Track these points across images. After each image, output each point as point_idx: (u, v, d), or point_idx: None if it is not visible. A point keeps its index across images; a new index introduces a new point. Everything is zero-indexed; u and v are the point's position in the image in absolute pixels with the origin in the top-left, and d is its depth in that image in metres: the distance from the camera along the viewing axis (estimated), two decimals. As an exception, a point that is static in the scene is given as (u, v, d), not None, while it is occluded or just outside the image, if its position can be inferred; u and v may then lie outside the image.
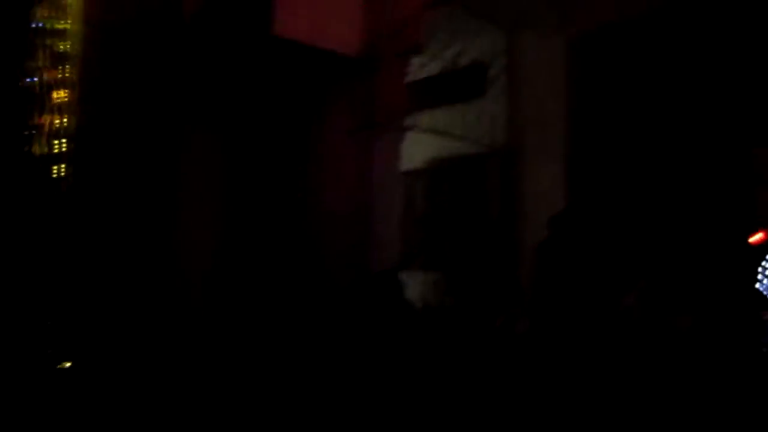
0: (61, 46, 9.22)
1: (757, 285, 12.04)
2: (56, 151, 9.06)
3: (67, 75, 9.04)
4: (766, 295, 12.19)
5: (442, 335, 5.03)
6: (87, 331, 6.49)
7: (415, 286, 6.60)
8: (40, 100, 9.23)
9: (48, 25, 9.30)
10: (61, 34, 9.25)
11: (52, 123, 9.12)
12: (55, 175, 8.88)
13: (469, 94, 6.62)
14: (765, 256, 12.20)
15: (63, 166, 8.90)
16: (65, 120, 8.99)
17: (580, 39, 5.86)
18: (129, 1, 6.83)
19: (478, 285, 6.17)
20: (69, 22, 9.04)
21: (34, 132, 9.13)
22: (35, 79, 9.24)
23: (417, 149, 7.14)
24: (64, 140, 8.98)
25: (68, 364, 5.56)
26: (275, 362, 4.76)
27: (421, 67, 6.02)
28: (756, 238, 12.35)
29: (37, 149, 9.09)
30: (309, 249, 4.47)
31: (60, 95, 9.13)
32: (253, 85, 4.12)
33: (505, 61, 6.38)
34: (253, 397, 4.12)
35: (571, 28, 5.87)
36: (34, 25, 9.24)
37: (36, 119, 9.19)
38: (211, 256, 5.87)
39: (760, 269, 11.99)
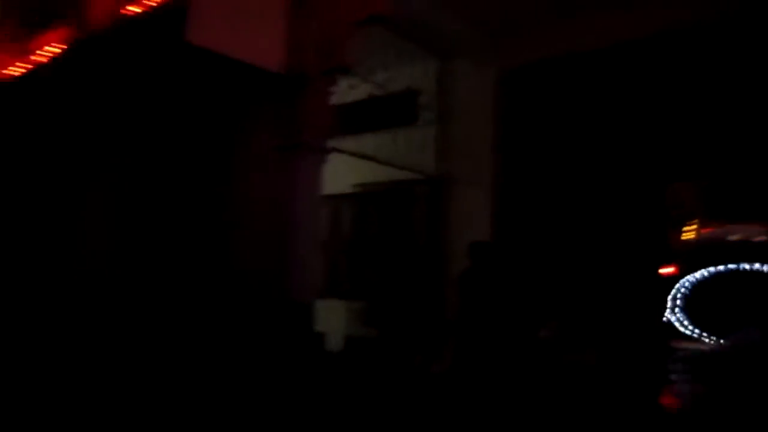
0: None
1: (667, 315, 12.55)
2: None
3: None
4: (674, 325, 12.73)
5: (361, 369, 4.78)
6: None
7: (337, 315, 6.33)
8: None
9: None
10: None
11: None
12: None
13: (399, 120, 6.52)
14: (675, 287, 12.76)
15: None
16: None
17: (510, 72, 5.90)
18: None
19: (403, 316, 5.99)
20: None
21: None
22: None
23: (344, 173, 6.94)
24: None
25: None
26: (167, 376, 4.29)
27: (350, 90, 5.86)
28: (667, 270, 12.93)
29: None
30: (225, 271, 4.11)
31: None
32: (167, 97, 3.79)
33: (437, 89, 6.34)
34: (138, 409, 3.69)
35: (503, 60, 5.91)
36: None
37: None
38: (113, 276, 5.37)
39: (669, 300, 12.51)
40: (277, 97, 3.76)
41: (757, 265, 11.67)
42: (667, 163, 10.59)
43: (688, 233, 18.30)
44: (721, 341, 12.26)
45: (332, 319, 6.26)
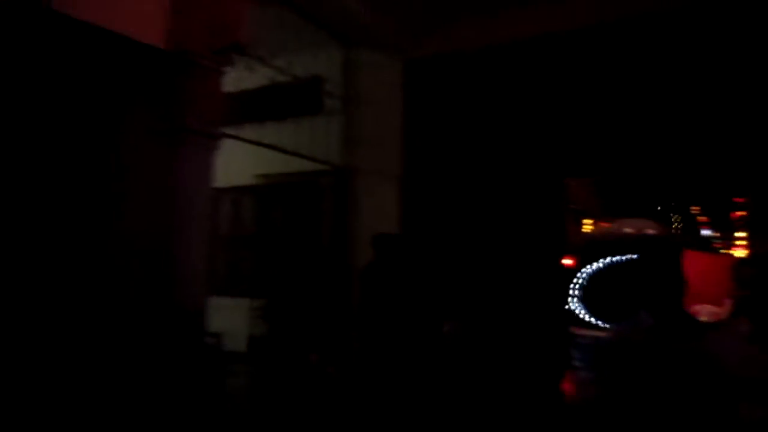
0: None
1: (569, 304, 13.15)
2: None
3: None
4: (576, 313, 13.39)
5: (256, 370, 4.51)
6: None
7: (238, 313, 5.98)
8: None
9: None
10: None
11: None
12: None
13: (303, 108, 6.25)
14: (574, 278, 13.41)
15: None
16: None
17: (417, 62, 5.82)
18: None
19: (303, 313, 5.76)
20: None
21: None
22: None
23: (246, 163, 6.59)
24: None
25: None
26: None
27: (251, 75, 5.53)
28: (567, 262, 13.55)
29: None
30: (98, 275, 3.66)
31: None
32: (25, 71, 3.30)
33: (343, 77, 6.14)
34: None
35: (410, 50, 5.82)
36: None
37: None
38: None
39: (570, 290, 13.11)
40: (159, 76, 3.39)
41: (647, 257, 12.47)
42: (566, 159, 11.05)
43: (586, 227, 19.38)
44: (613, 327, 12.92)
45: (234, 318, 5.92)
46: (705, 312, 13.33)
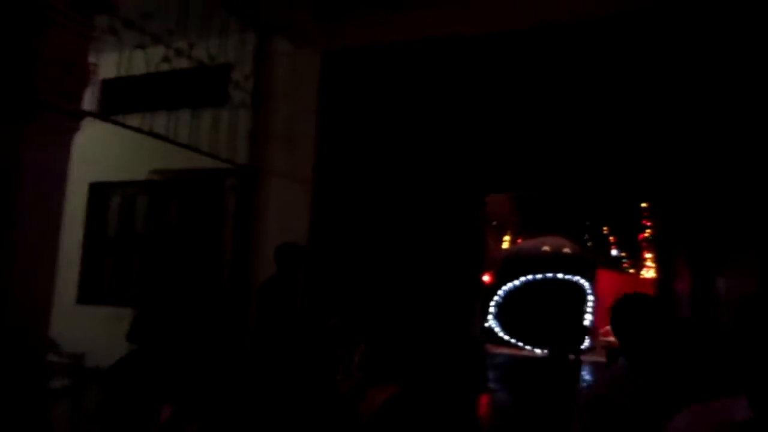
0: None
1: (487, 322, 13.10)
2: None
3: None
4: (493, 331, 13.34)
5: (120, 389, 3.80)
6: None
7: (114, 326, 5.19)
8: None
9: None
10: None
11: None
12: None
13: (207, 98, 5.59)
14: (492, 295, 13.39)
15: None
16: None
17: (336, 56, 5.34)
18: None
19: (190, 327, 5.06)
20: None
21: None
22: None
23: (139, 156, 5.85)
24: None
25: None
26: None
27: (147, 57, 4.84)
28: (485, 279, 13.50)
29: None
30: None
31: None
32: None
33: (254, 66, 5.55)
34: None
35: (329, 43, 5.32)
36: None
37: None
38: None
39: (487, 308, 13.07)
40: (4, 38, 2.69)
41: (563, 275, 12.65)
42: (487, 172, 10.99)
43: (504, 243, 19.50)
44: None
45: (106, 329, 5.12)
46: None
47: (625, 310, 2.14)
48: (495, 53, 6.13)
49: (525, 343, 12.74)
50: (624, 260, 26.01)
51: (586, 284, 12.46)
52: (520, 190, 13.91)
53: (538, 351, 12.65)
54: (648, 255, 20.61)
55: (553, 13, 4.68)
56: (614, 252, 26.93)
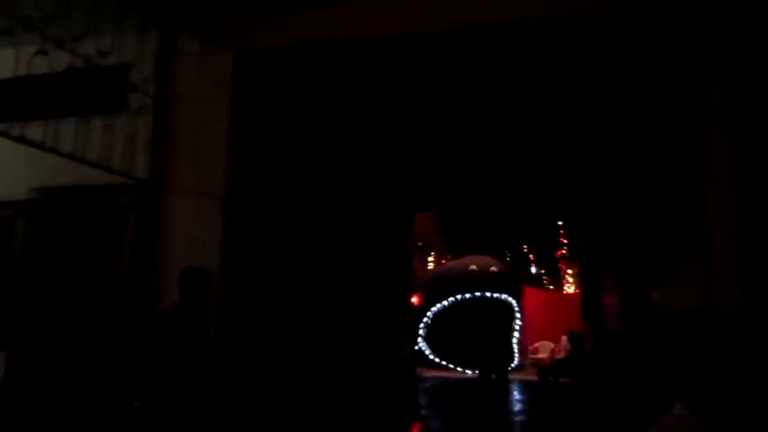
0: None
1: (417, 344, 12.67)
2: None
3: None
4: (425, 354, 12.94)
5: None
6: None
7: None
8: None
9: None
10: None
11: None
12: None
13: (101, 104, 4.88)
14: (422, 317, 13.02)
15: None
16: None
17: (251, 55, 4.78)
18: None
19: (70, 368, 4.27)
20: None
21: None
22: None
23: (18, 171, 5.02)
24: None
25: None
26: None
27: (31, 57, 4.09)
28: (412, 300, 13.11)
29: None
30: None
31: None
32: None
33: (156, 68, 4.89)
34: None
35: (244, 39, 4.76)
36: None
37: None
38: None
39: (417, 330, 12.66)
40: None
41: (491, 294, 12.51)
42: (414, 192, 10.73)
43: (429, 264, 19.31)
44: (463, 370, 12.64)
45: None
46: (544, 348, 13.53)
47: (692, 334, 1.57)
48: (422, 65, 5.82)
49: (455, 365, 12.47)
50: (544, 277, 26.78)
51: (513, 302, 12.41)
52: (447, 209, 13.79)
53: (469, 372, 12.42)
54: (568, 271, 21.21)
55: (470, 16, 4.39)
56: (534, 270, 27.75)
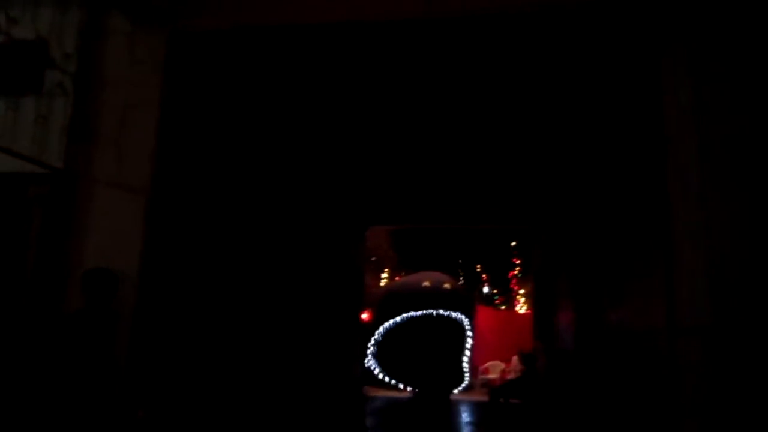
0: None
1: (366, 362, 12.14)
2: None
3: None
4: (374, 372, 12.42)
5: None
6: None
7: None
8: None
9: None
10: None
11: None
12: None
13: (12, 83, 4.30)
14: (372, 334, 12.51)
15: None
16: None
17: (187, 38, 4.32)
18: None
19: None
20: None
21: None
22: None
23: None
24: None
25: None
26: None
27: None
28: (363, 317, 12.61)
29: None
30: None
31: None
32: None
33: (79, 47, 4.36)
34: None
35: (181, 20, 4.29)
36: None
37: None
38: None
39: (367, 347, 12.15)
40: None
41: (444, 311, 12.16)
42: (368, 204, 10.33)
43: (382, 280, 18.78)
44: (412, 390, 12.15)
45: None
46: (494, 368, 13.13)
47: None
48: (373, 60, 5.49)
49: (405, 384, 12.04)
50: (496, 297, 26.82)
51: (466, 321, 12.10)
52: (402, 222, 13.46)
53: (412, 392, 12.03)
54: (520, 291, 21.20)
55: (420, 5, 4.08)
56: (486, 289, 27.80)
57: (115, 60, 4.30)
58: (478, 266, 28.55)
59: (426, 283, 12.22)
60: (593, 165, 6.82)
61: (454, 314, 11.83)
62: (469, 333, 12.22)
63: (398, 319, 11.80)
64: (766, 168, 3.32)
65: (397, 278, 18.04)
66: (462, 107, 6.94)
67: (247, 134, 5.12)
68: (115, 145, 4.13)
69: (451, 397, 12.39)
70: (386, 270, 20.50)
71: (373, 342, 11.91)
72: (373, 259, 18.56)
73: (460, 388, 12.52)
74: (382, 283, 18.73)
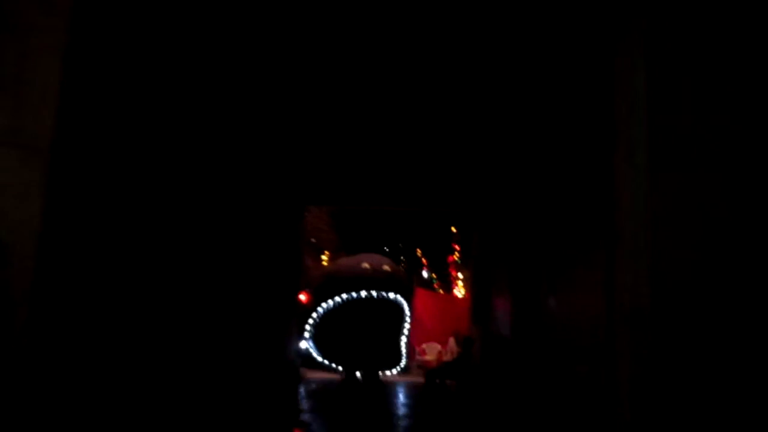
0: None
1: (303, 344, 11.87)
2: None
3: None
4: (310, 354, 12.15)
5: None
6: None
7: None
8: None
9: None
10: None
11: None
12: None
13: None
14: (309, 316, 12.22)
15: None
16: None
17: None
18: None
19: None
20: None
21: None
22: None
23: None
24: None
25: None
26: None
27: None
28: (301, 298, 12.31)
29: None
30: None
31: None
32: None
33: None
34: None
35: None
36: None
37: None
38: None
39: (305, 329, 11.87)
40: None
41: (384, 293, 12.03)
42: (306, 183, 9.99)
43: (323, 262, 18.59)
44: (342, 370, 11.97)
45: None
46: (431, 350, 13.12)
47: None
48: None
49: (341, 366, 11.87)
50: (435, 281, 27.17)
51: (404, 303, 12.02)
52: (340, 203, 13.17)
53: (358, 374, 11.90)
54: (459, 276, 21.46)
55: None
56: (425, 273, 28.17)
57: (21, 20, 3.73)
58: (419, 250, 28.87)
59: (365, 265, 12.02)
60: (535, 148, 6.74)
61: (392, 296, 11.71)
62: (407, 315, 12.15)
63: (337, 299, 11.57)
64: (715, 158, 3.25)
65: (337, 260, 17.83)
66: (405, 89, 6.73)
67: (170, 95, 4.65)
68: (10, 97, 3.59)
69: (387, 377, 12.35)
70: (326, 252, 20.20)
71: (311, 323, 11.64)
72: (313, 240, 18.20)
73: (397, 369, 12.52)
74: (323, 265, 18.44)
